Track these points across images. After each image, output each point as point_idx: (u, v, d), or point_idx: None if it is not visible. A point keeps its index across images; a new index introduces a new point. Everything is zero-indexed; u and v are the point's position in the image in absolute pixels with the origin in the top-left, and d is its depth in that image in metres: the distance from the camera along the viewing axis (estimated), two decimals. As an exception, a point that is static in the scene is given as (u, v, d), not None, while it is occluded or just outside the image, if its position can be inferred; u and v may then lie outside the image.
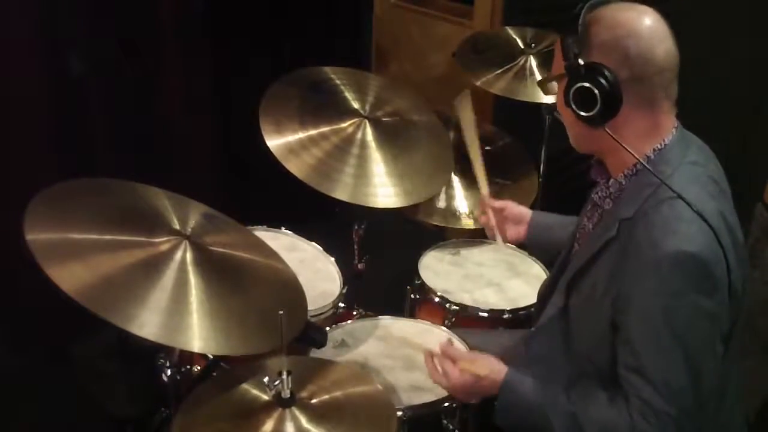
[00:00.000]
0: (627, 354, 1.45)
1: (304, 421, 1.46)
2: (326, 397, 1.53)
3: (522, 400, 1.56)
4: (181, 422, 1.49)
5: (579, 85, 1.43)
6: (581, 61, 1.43)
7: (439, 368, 1.66)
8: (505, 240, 2.03)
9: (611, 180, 1.56)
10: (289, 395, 1.47)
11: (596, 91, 1.42)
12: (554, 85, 1.57)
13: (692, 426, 1.43)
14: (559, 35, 1.50)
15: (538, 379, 1.58)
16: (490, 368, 1.61)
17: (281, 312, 1.41)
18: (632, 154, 1.46)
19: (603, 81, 1.41)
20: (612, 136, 1.46)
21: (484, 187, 2.07)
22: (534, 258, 2.34)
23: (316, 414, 1.48)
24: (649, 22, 1.44)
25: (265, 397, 1.50)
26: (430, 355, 1.69)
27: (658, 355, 1.41)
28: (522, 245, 2.18)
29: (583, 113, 1.45)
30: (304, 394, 1.51)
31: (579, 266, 1.57)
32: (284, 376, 1.46)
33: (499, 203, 2.04)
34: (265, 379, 1.48)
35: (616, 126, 1.46)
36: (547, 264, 2.30)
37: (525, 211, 2.04)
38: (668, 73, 1.46)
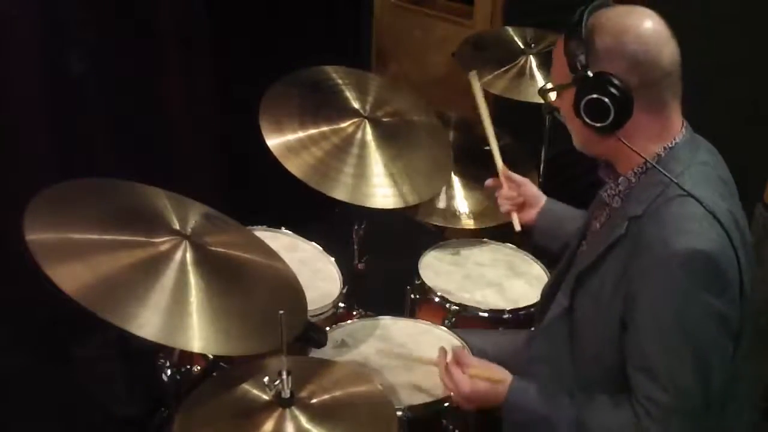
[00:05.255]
0: (635, 353, 1.44)
1: (304, 421, 1.46)
2: (326, 396, 1.53)
3: (528, 408, 1.55)
4: (181, 422, 1.49)
5: (590, 97, 1.42)
6: (590, 73, 1.41)
7: (451, 372, 1.63)
8: (522, 224, 1.98)
9: (620, 178, 1.55)
10: (289, 395, 1.47)
11: (608, 102, 1.40)
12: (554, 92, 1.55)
13: (699, 426, 1.42)
14: (558, 38, 1.48)
15: (542, 386, 1.56)
16: (502, 375, 1.59)
17: (281, 312, 1.41)
18: (643, 158, 1.45)
19: (615, 91, 1.40)
20: (624, 142, 1.45)
21: (499, 161, 2.04)
22: (534, 258, 2.34)
23: (316, 414, 1.48)
24: (652, 25, 1.43)
25: (265, 397, 1.50)
26: (444, 353, 1.68)
27: (666, 354, 1.40)
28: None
29: (596, 124, 1.44)
30: (304, 393, 1.51)
31: (585, 265, 1.55)
32: (284, 376, 1.46)
33: (519, 177, 2.01)
34: (265, 379, 1.48)
35: (626, 131, 1.45)
36: (546, 260, 2.30)
37: (540, 195, 2.00)
38: (674, 74, 1.45)
